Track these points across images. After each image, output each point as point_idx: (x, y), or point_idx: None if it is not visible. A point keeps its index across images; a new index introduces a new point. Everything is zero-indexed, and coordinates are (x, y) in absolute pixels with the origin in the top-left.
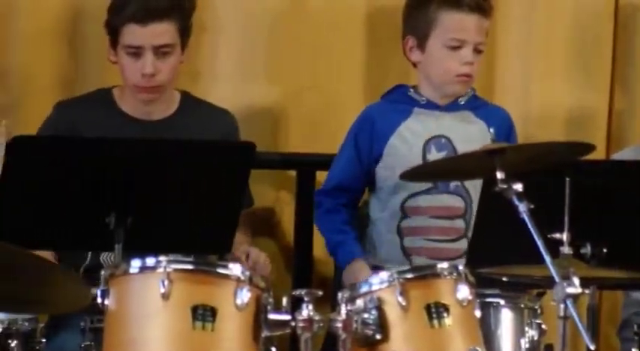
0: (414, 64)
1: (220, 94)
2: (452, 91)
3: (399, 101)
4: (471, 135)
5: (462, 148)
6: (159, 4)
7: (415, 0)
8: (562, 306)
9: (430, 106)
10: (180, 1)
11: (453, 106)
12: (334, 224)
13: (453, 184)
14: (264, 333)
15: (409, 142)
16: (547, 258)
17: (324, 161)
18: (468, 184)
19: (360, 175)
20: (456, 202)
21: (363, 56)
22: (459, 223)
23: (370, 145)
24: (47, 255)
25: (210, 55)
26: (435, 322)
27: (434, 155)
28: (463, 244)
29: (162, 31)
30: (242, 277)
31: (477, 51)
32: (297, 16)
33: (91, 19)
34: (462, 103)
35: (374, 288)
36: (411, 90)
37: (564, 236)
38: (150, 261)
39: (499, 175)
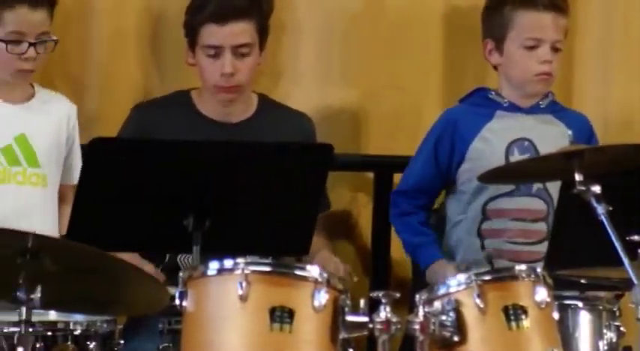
0: (495, 67)
1: (300, 96)
2: (533, 90)
3: (481, 104)
4: (552, 137)
5: (544, 150)
6: (237, 3)
7: (491, 2)
8: None
9: (512, 108)
10: (259, 1)
11: (534, 109)
12: (412, 226)
13: (535, 187)
14: (342, 335)
15: (492, 144)
16: (625, 260)
17: (401, 163)
18: (551, 187)
19: (438, 178)
20: (538, 205)
21: (441, 56)
22: (541, 226)
23: (451, 149)
24: (133, 257)
25: (291, 56)
26: (513, 324)
27: (516, 158)
28: (544, 248)
29: (241, 31)
30: (320, 279)
31: (555, 49)
32: (375, 16)
33: (169, 21)
34: (543, 106)
35: (452, 290)
36: (492, 93)
37: None
38: (228, 263)
39: (577, 177)
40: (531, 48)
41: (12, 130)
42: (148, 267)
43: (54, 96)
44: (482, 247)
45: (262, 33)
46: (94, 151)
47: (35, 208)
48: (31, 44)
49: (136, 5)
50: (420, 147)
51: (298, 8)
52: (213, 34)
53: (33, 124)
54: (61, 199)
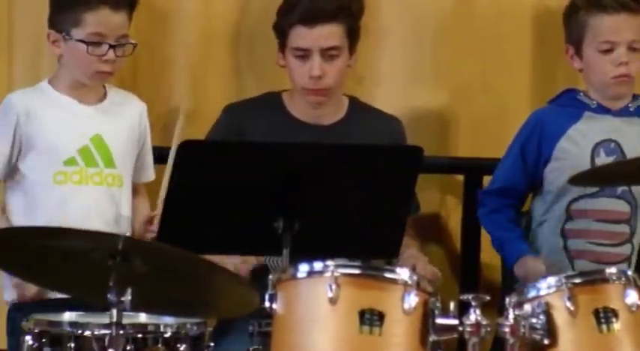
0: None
1: (385, 98)
2: (614, 93)
3: (569, 105)
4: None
5: (631, 153)
6: (326, 6)
7: (568, 8)
8: None
9: (601, 110)
10: (349, 3)
11: (623, 112)
12: (499, 222)
13: (619, 189)
14: (432, 337)
15: (579, 144)
16: None
17: (491, 165)
18: (636, 189)
19: (525, 179)
20: (622, 207)
21: (531, 58)
22: (624, 228)
23: (538, 149)
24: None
25: (375, 58)
26: (604, 327)
27: (602, 159)
28: (626, 249)
29: (330, 34)
30: (409, 282)
31: (632, 49)
32: (464, 17)
33: (258, 22)
34: (632, 109)
35: (542, 293)
36: (581, 94)
37: None
38: (317, 265)
39: None
40: (607, 51)
41: (88, 131)
42: (232, 262)
43: (125, 96)
44: (565, 248)
45: (352, 36)
46: (184, 153)
47: (112, 209)
48: (111, 46)
49: (227, 6)
50: (509, 148)
51: (383, 11)
52: (302, 36)
53: (107, 124)
54: (134, 192)
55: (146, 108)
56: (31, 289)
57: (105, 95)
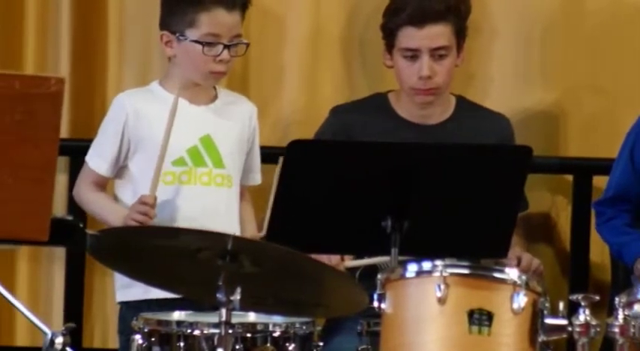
0: None
1: (495, 98)
2: None
3: None
4: None
5: None
6: (435, 6)
7: None
8: None
9: None
10: (457, 3)
11: None
12: (616, 228)
13: None
14: (541, 337)
15: None
16: None
17: (601, 166)
18: None
19: (637, 182)
20: None
21: None
22: None
23: None
24: None
25: (485, 57)
26: None
27: None
28: None
29: (439, 34)
30: (518, 282)
31: None
32: (573, 15)
33: (370, 23)
34: None
35: None
36: None
37: None
38: (426, 265)
39: None
40: None
41: (197, 131)
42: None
43: (236, 97)
44: None
45: (460, 35)
46: (293, 153)
47: (220, 209)
48: (225, 46)
49: (333, 6)
50: (618, 154)
51: (493, 10)
52: (411, 37)
53: (217, 125)
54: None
55: (256, 110)
56: None
57: (216, 96)
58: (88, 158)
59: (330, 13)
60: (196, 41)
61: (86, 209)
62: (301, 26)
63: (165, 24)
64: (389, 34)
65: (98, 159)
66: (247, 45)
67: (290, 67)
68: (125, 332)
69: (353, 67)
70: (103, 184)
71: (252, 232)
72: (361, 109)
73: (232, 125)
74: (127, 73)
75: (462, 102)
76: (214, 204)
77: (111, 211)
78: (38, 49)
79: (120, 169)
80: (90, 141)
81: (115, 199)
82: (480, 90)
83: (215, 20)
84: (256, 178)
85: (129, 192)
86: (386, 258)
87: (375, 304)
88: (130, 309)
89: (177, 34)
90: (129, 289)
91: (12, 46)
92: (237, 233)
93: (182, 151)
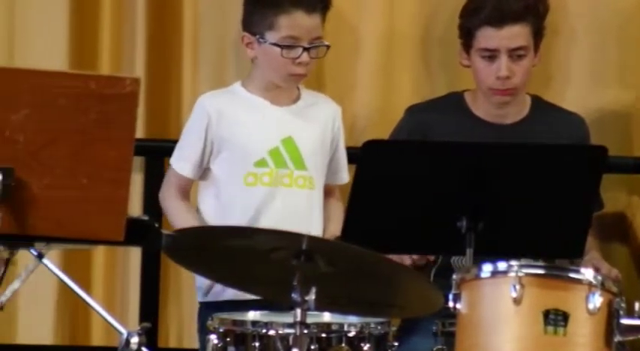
0: None
1: (572, 99)
2: None
3: None
4: None
5: None
6: (514, 6)
7: None
8: None
9: None
10: (535, 3)
11: None
12: None
13: None
14: (616, 338)
15: None
16: None
17: None
18: None
19: None
20: None
21: None
22: None
23: None
24: None
25: (563, 59)
26: None
27: None
28: None
29: (517, 34)
30: (594, 282)
31: None
32: None
33: (441, 22)
34: None
35: None
36: None
37: None
38: (501, 265)
39: None
40: None
41: (279, 133)
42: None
43: (319, 98)
44: None
45: (537, 35)
46: (369, 153)
47: (302, 211)
48: (304, 49)
49: (407, 6)
50: None
51: (571, 11)
52: (489, 37)
53: (299, 126)
54: (326, 194)
55: (340, 110)
56: None
57: (298, 97)
58: (172, 161)
59: (404, 13)
60: (275, 44)
61: (165, 214)
62: (375, 27)
63: (246, 25)
64: (467, 34)
65: (182, 161)
66: (327, 47)
67: (365, 68)
68: (203, 332)
69: (430, 66)
70: (188, 187)
71: (334, 231)
72: (437, 109)
73: (314, 126)
74: (201, 73)
75: (537, 102)
76: (295, 206)
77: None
78: (113, 50)
79: (204, 170)
80: (165, 141)
81: (198, 201)
82: (558, 91)
83: (294, 23)
84: (343, 177)
85: (211, 194)
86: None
87: (450, 304)
88: (208, 309)
89: (258, 36)
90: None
91: (87, 47)
92: (316, 234)
93: (264, 153)
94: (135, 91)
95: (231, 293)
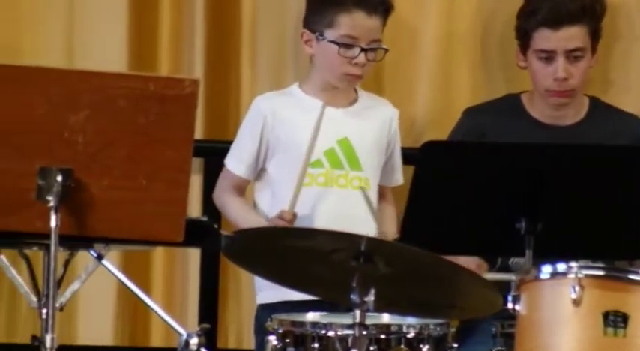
0: None
1: (632, 103)
2: None
3: None
4: None
5: None
6: (570, 7)
7: None
8: None
9: None
10: (592, 4)
11: None
12: None
13: None
14: None
15: None
16: None
17: None
18: None
19: None
20: None
21: None
22: None
23: None
24: None
25: (623, 63)
26: None
27: None
28: None
29: (574, 35)
30: None
31: None
32: None
33: (501, 23)
34: None
35: None
36: None
37: None
38: (561, 267)
39: None
40: None
41: (335, 134)
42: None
43: (377, 100)
44: None
45: (594, 36)
46: (427, 154)
47: (357, 212)
48: (362, 50)
49: (465, 7)
50: None
51: (634, 14)
52: (546, 38)
53: (356, 128)
54: (380, 196)
55: (397, 113)
56: None
57: (356, 99)
58: (226, 161)
59: (462, 14)
60: (333, 42)
61: (222, 213)
62: (434, 28)
63: (307, 22)
64: (523, 35)
65: (236, 162)
66: (386, 51)
67: (424, 69)
68: (260, 332)
69: (488, 68)
70: (242, 188)
71: (390, 233)
72: (494, 110)
73: (371, 128)
74: (260, 75)
75: (595, 103)
76: (351, 207)
77: (245, 220)
78: (172, 51)
79: (259, 171)
80: (224, 142)
81: (254, 202)
82: (617, 95)
83: (354, 22)
84: (398, 179)
85: (267, 195)
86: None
87: (510, 305)
88: (266, 310)
89: (317, 34)
90: (264, 291)
91: (147, 48)
92: (373, 235)
93: (320, 154)
94: (194, 92)
95: (287, 294)
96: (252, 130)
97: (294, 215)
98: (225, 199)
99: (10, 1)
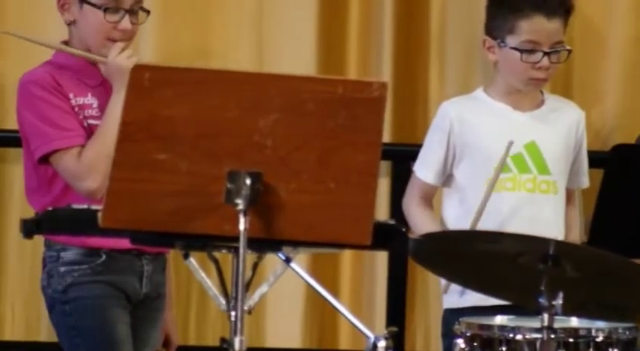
0: None
1: None
2: None
3: None
4: None
5: None
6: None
7: None
8: None
9: None
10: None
11: None
12: None
13: None
14: None
15: None
16: None
17: None
18: None
19: None
20: None
21: None
22: None
23: None
24: None
25: None
26: None
27: None
28: None
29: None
30: None
31: None
32: None
33: None
34: None
35: None
36: None
37: None
38: None
39: None
40: None
41: (522, 138)
42: None
43: (563, 103)
44: None
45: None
46: (617, 156)
47: (545, 216)
48: (545, 53)
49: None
50: None
51: None
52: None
53: (542, 131)
54: (567, 200)
55: (584, 115)
56: None
57: (542, 102)
58: (415, 168)
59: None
60: (515, 48)
61: (407, 220)
62: (623, 31)
63: (488, 29)
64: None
65: (425, 169)
66: (569, 51)
67: (613, 71)
68: (448, 336)
69: None
70: (431, 194)
71: (575, 236)
72: None
73: (558, 131)
74: (448, 78)
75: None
76: (539, 210)
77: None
78: (361, 54)
79: (447, 177)
80: (412, 146)
81: (442, 208)
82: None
83: (534, 27)
84: (584, 182)
85: (455, 201)
86: None
87: None
88: (454, 314)
89: (499, 41)
90: (451, 296)
91: (335, 52)
92: (560, 239)
93: (507, 159)
94: (382, 96)
95: (475, 299)
96: (439, 136)
97: None
98: (413, 209)
99: (201, 2)
